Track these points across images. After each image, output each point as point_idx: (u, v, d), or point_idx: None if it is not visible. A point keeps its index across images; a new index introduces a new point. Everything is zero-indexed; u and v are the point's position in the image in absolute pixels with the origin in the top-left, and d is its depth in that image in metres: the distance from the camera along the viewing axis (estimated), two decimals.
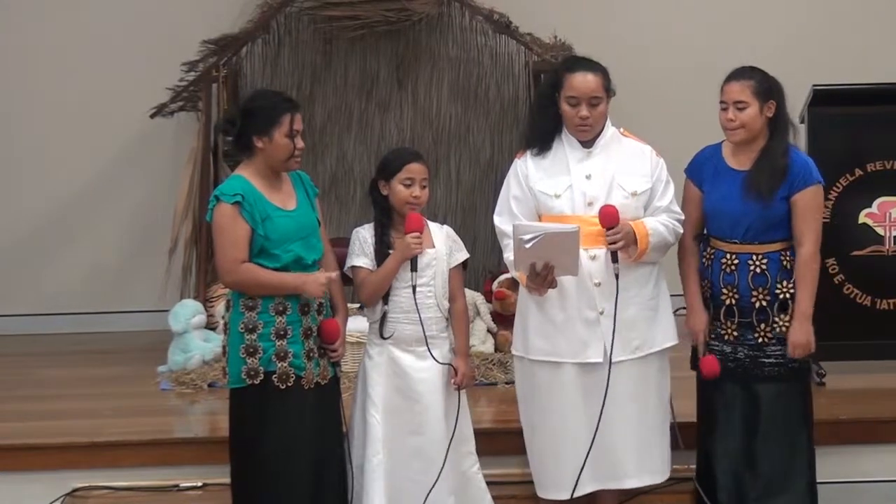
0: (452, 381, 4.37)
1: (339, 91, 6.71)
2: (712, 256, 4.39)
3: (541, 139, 4.38)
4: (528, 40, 6.40)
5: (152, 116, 6.35)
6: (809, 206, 4.27)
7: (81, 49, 6.73)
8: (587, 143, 4.35)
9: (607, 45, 6.48)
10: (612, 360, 4.24)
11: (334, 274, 4.23)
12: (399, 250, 4.30)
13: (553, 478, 4.39)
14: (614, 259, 4.22)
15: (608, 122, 4.38)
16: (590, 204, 4.28)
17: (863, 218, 5.45)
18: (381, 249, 4.33)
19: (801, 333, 4.30)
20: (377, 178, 4.38)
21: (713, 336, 4.41)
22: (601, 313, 4.27)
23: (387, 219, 4.38)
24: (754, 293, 4.31)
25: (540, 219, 4.33)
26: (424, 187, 4.35)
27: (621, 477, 4.38)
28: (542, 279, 4.21)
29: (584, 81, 4.28)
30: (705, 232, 4.46)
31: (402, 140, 6.67)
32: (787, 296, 4.31)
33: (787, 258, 4.32)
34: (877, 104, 5.46)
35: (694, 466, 4.58)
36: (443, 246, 4.43)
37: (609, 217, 4.21)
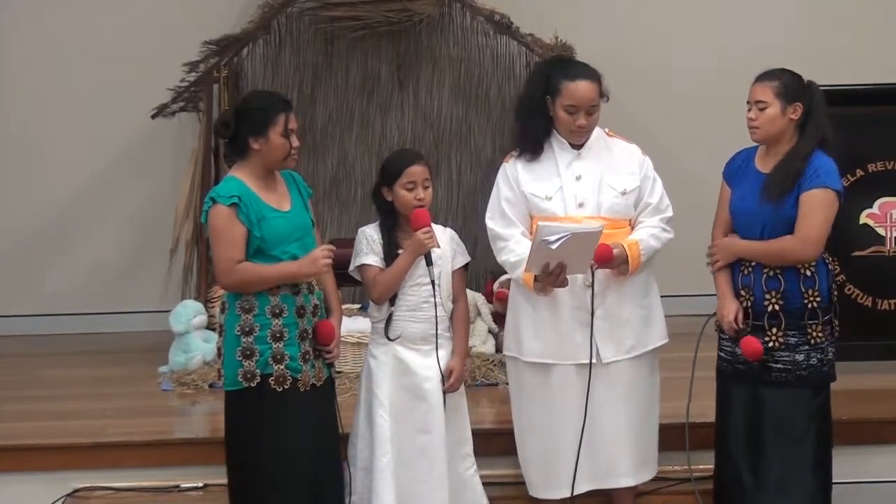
0: (444, 384, 4.36)
1: (341, 92, 6.70)
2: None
3: (533, 145, 4.38)
4: (529, 41, 6.39)
5: (153, 117, 6.34)
6: (807, 206, 4.18)
7: (82, 49, 6.72)
8: (576, 145, 4.36)
9: (608, 46, 6.55)
10: (608, 360, 4.32)
11: (331, 247, 4.20)
12: (411, 247, 4.29)
13: (548, 478, 4.41)
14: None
15: None
16: (581, 205, 4.31)
17: (864, 218, 5.46)
18: (391, 251, 4.34)
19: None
20: (379, 184, 4.38)
21: (727, 337, 4.39)
22: (593, 314, 4.28)
23: (392, 222, 4.38)
24: (767, 296, 4.26)
25: (532, 220, 4.35)
26: (427, 188, 4.35)
27: (616, 476, 4.40)
28: (555, 278, 4.21)
29: (583, 90, 4.28)
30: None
31: (403, 141, 6.66)
32: (813, 304, 4.26)
33: (806, 265, 4.25)
34: (877, 104, 5.46)
35: (695, 467, 4.59)
36: (447, 248, 4.44)
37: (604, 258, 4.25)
